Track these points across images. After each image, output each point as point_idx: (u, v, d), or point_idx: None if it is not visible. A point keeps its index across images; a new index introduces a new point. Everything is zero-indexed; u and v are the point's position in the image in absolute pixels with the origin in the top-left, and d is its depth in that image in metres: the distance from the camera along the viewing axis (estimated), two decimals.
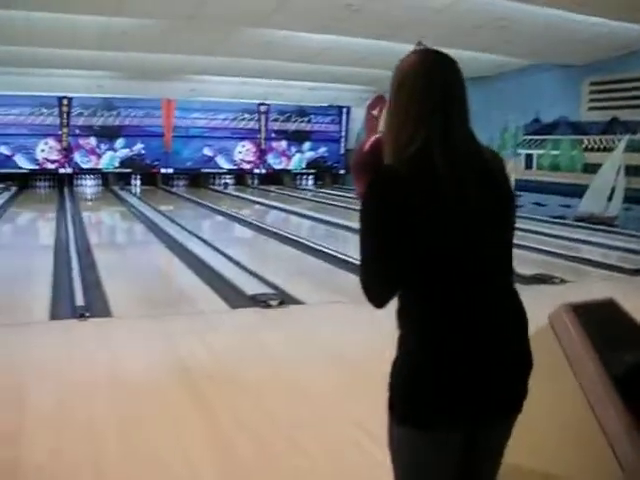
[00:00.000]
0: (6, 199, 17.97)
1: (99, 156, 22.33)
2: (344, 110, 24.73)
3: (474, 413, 1.81)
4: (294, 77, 18.86)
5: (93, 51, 14.72)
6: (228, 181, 24.22)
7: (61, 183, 21.76)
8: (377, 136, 2.17)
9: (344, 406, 4.16)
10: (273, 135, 24.34)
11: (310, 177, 25.40)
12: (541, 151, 16.43)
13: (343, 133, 24.91)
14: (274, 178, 24.56)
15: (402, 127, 1.83)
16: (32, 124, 21.34)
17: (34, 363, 4.92)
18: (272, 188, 23.24)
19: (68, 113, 21.59)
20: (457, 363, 1.76)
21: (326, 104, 24.31)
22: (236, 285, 7.46)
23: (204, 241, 10.77)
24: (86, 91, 20.74)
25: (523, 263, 8.52)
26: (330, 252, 9.61)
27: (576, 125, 15.35)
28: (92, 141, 22.19)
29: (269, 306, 6.55)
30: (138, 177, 23.11)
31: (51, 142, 21.70)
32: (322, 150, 24.97)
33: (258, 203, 18.77)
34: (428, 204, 1.74)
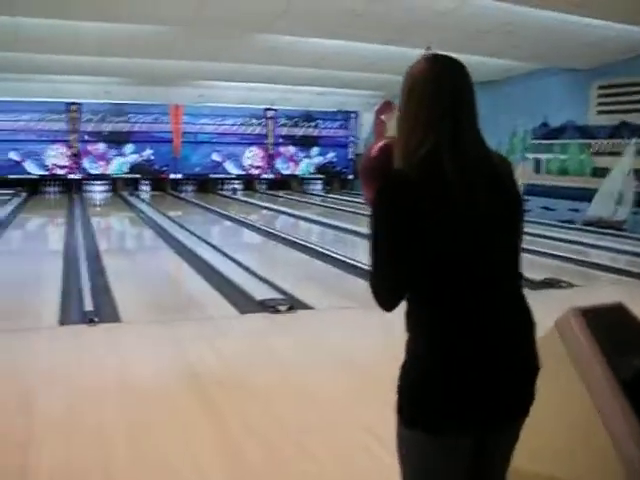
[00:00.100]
0: (16, 205, 18.03)
1: (108, 162, 22.42)
2: (352, 115, 24.76)
3: (483, 418, 1.81)
4: (302, 82, 18.88)
5: (100, 57, 14.77)
6: (236, 186, 24.24)
7: (70, 189, 21.85)
8: (385, 141, 2.18)
9: (353, 411, 4.15)
10: (281, 140, 24.39)
11: (318, 182, 25.43)
12: (549, 155, 16.40)
13: (351, 138, 24.93)
14: (282, 183, 24.60)
15: (412, 132, 1.85)
16: (41, 130, 21.48)
17: (43, 368, 4.93)
18: (280, 193, 23.28)
19: (77, 119, 21.68)
20: (466, 367, 1.77)
21: (334, 109, 24.34)
22: (245, 290, 7.46)
23: (213, 246, 10.78)
24: (94, 97, 20.84)
25: (532, 267, 8.50)
26: (339, 257, 9.60)
27: (584, 129, 15.32)
28: (101, 147, 22.29)
29: (278, 311, 6.54)
30: (147, 183, 23.18)
31: (60, 148, 21.79)
32: (330, 155, 25.01)
33: (266, 208, 18.79)
34: (438, 209, 1.75)
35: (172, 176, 23.14)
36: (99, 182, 22.63)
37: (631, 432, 2.26)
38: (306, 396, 4.48)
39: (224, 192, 23.65)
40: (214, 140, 23.41)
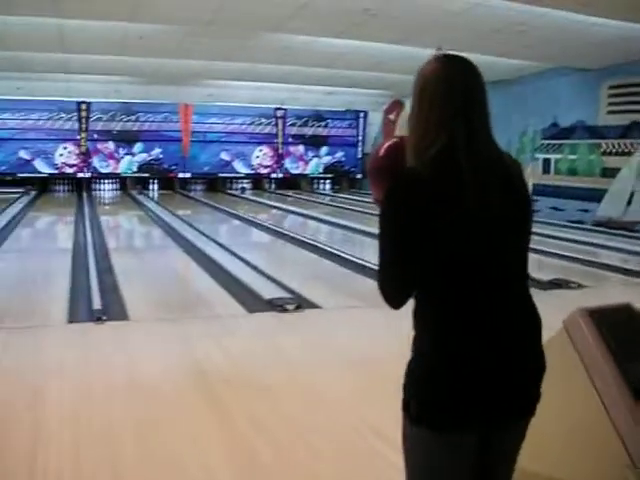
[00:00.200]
0: (25, 203, 18.11)
1: (117, 161, 22.47)
2: (361, 114, 24.74)
3: (488, 416, 1.81)
4: (311, 82, 18.86)
5: (111, 56, 14.78)
6: (245, 185, 24.28)
7: (80, 187, 21.94)
8: (393, 140, 2.17)
9: (360, 410, 4.15)
10: (290, 140, 24.39)
11: (327, 181, 25.44)
12: (559, 155, 16.34)
13: (360, 137, 24.93)
14: (291, 182, 24.62)
15: (424, 131, 1.85)
16: (51, 129, 21.55)
17: (51, 366, 4.94)
18: (289, 192, 23.29)
19: (87, 118, 21.75)
20: (472, 366, 1.77)
21: (343, 109, 24.33)
22: (253, 289, 7.46)
23: (221, 245, 10.79)
24: (104, 96, 20.89)
25: (541, 268, 8.49)
26: (347, 256, 9.59)
27: (594, 129, 15.26)
28: (110, 146, 22.34)
29: (286, 310, 6.54)
30: (156, 181, 23.23)
31: (70, 147, 21.86)
32: (339, 155, 25.00)
33: (275, 207, 18.81)
34: (451, 209, 1.75)
35: (181, 175, 23.18)
36: (108, 181, 22.70)
37: (639, 430, 2.26)
38: (313, 395, 4.48)
39: (233, 191, 23.67)
40: (223, 139, 23.42)
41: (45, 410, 4.08)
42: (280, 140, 24.18)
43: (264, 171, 24.35)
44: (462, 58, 1.90)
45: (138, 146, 22.59)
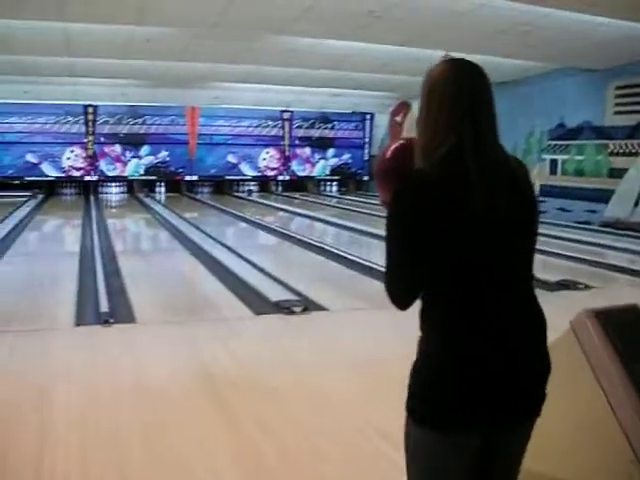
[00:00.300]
0: (33, 206, 18.14)
1: (124, 164, 22.51)
2: (367, 116, 24.74)
3: (494, 417, 1.81)
4: (317, 84, 18.87)
5: (117, 60, 14.83)
6: (252, 188, 24.29)
7: (87, 190, 21.98)
8: (399, 142, 2.17)
9: (367, 412, 4.15)
10: (297, 142, 24.39)
11: (334, 184, 25.45)
12: (566, 156, 16.30)
13: (367, 139, 24.92)
14: (298, 185, 24.63)
15: (433, 133, 1.86)
16: (58, 132, 21.58)
17: (59, 369, 4.95)
18: (296, 195, 23.30)
19: (93, 121, 21.79)
20: (480, 367, 1.77)
21: (349, 111, 24.33)
22: (260, 292, 7.47)
23: (228, 248, 10.79)
24: (110, 99, 20.94)
25: (548, 269, 8.47)
26: (353, 258, 9.59)
27: (601, 130, 15.21)
28: (117, 149, 22.38)
29: (292, 313, 6.54)
30: (163, 184, 23.26)
31: (77, 150, 21.91)
32: (346, 157, 25.00)
33: (282, 210, 18.81)
34: (459, 210, 1.76)
35: (188, 178, 23.21)
36: (115, 184, 22.74)
37: None
38: (320, 397, 4.48)
39: (240, 194, 23.70)
40: (230, 142, 23.44)
41: (52, 413, 4.09)
42: (287, 142, 24.19)
43: (271, 173, 24.36)
44: (469, 61, 1.92)
45: (145, 149, 22.62)
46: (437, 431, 1.79)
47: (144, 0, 9.89)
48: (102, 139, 22.11)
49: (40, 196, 20.76)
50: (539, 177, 16.01)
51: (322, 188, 25.25)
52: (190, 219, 15.49)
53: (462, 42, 11.61)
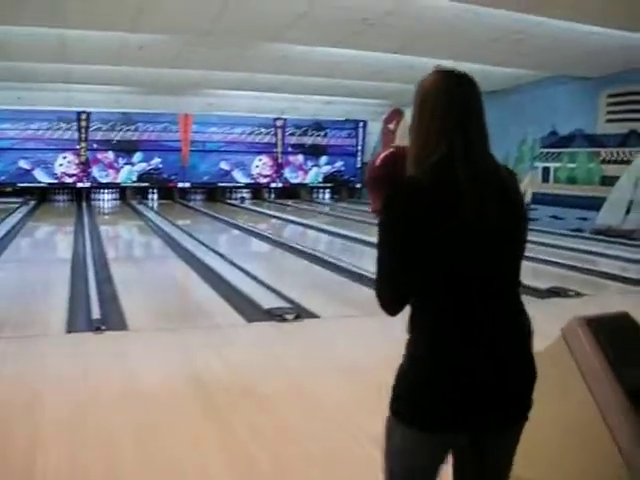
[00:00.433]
0: (25, 213, 18.11)
1: (117, 170, 22.49)
2: (360, 124, 24.80)
3: (483, 422, 1.83)
4: (310, 91, 18.91)
5: (111, 66, 14.83)
6: (245, 195, 24.29)
7: (79, 197, 21.98)
8: (389, 150, 2.19)
9: (357, 418, 4.15)
10: (290, 149, 24.43)
11: (326, 191, 25.48)
12: (558, 164, 16.36)
13: (359, 147, 24.98)
14: (291, 192, 24.67)
15: (424, 141, 1.89)
16: (51, 139, 21.57)
17: (50, 376, 4.93)
18: (289, 202, 23.31)
19: (86, 128, 21.78)
20: (470, 376, 1.79)
21: (342, 118, 24.38)
22: (252, 299, 7.46)
23: (221, 255, 10.78)
24: (104, 106, 20.92)
25: (540, 276, 8.48)
26: (346, 266, 9.60)
27: (593, 138, 15.28)
28: (110, 155, 22.36)
29: (285, 320, 6.55)
30: (155, 191, 23.25)
31: (69, 156, 21.88)
32: (338, 164, 25.05)
33: (275, 217, 18.81)
34: (450, 218, 1.77)
35: (180, 185, 23.21)
36: (108, 190, 22.72)
37: (637, 439, 2.26)
38: (312, 403, 4.48)
39: (232, 201, 23.70)
40: (223, 149, 23.46)
41: (44, 419, 4.07)
42: (279, 149, 24.22)
43: (263, 180, 24.38)
44: (460, 72, 1.94)
45: (138, 156, 22.62)
46: (425, 432, 1.81)
47: (138, 7, 9.90)
48: (95, 146, 22.10)
49: (32, 202, 20.74)
50: (532, 185, 16.07)
51: (315, 195, 25.29)
52: (183, 226, 15.48)
53: (455, 50, 11.66)
